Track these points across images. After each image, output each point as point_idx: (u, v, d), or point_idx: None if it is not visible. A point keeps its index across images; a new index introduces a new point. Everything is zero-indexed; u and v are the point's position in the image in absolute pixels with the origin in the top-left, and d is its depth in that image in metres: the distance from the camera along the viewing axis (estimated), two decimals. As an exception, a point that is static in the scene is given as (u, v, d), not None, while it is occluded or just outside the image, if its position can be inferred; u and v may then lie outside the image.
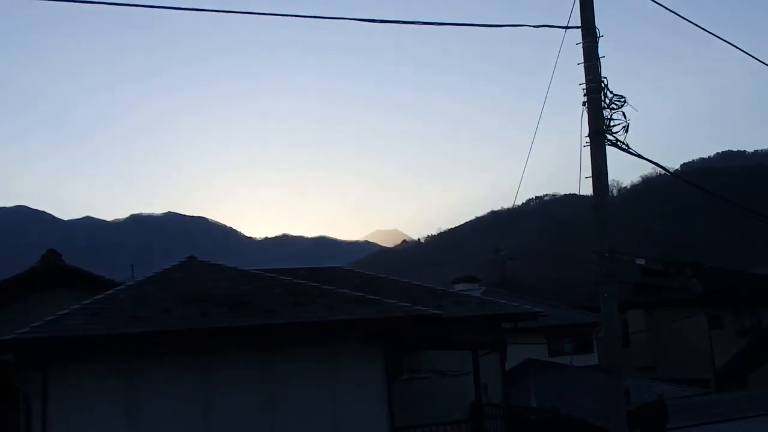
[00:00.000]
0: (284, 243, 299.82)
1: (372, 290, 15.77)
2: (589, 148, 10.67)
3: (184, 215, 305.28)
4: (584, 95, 10.68)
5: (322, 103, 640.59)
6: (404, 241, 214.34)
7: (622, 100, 10.63)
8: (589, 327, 28.97)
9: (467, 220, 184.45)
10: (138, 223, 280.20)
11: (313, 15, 8.28)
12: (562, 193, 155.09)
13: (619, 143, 10.59)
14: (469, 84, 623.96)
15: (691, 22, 10.95)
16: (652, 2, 10.68)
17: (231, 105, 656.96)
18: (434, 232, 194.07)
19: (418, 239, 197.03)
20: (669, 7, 10.76)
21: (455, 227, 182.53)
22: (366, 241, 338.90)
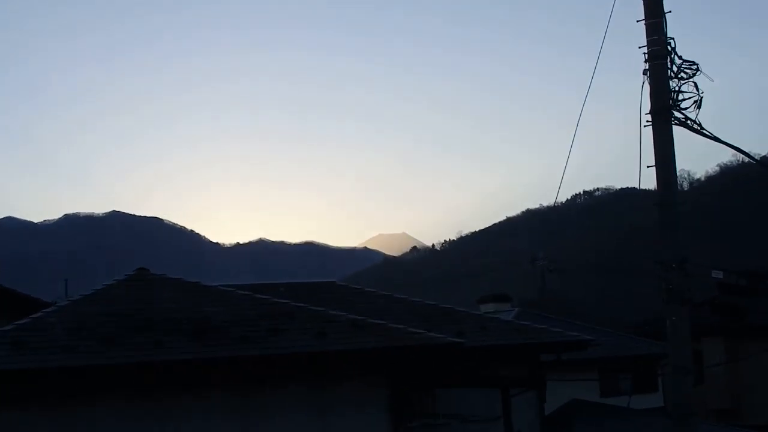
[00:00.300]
0: (261, 251, 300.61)
1: (374, 312, 15.79)
2: (651, 128, 10.65)
3: (133, 215, 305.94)
4: (645, 61, 10.67)
5: (308, 82, 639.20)
6: (415, 248, 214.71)
7: (694, 67, 10.61)
8: (652, 359, 28.95)
9: (495, 221, 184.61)
10: (73, 225, 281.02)
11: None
12: (618, 186, 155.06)
13: (689, 122, 10.58)
14: (495, 54, 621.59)
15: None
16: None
17: (193, 84, 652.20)
18: (453, 237, 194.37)
19: (432, 246, 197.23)
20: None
21: (480, 230, 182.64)
22: (365, 249, 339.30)
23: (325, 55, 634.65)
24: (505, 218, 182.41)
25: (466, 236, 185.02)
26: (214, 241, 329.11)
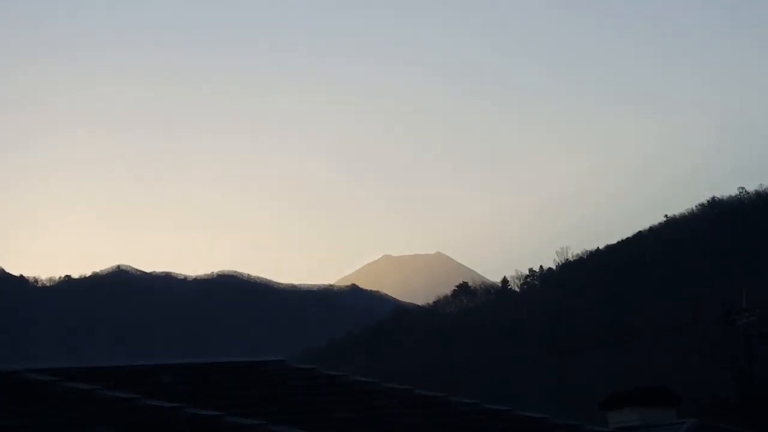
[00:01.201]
0: (120, 289, 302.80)
1: (372, 426, 16.36)
2: None
3: None
4: None
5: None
6: (465, 285, 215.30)
7: None
8: None
9: (640, 228, 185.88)
10: None
11: None
12: None
13: None
14: None
15: None
16: None
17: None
18: (549, 264, 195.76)
19: (503, 282, 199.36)
20: None
21: (603, 249, 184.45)
22: (352, 287, 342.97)
23: None
24: (663, 220, 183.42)
25: (576, 262, 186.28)
26: (18, 274, 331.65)
